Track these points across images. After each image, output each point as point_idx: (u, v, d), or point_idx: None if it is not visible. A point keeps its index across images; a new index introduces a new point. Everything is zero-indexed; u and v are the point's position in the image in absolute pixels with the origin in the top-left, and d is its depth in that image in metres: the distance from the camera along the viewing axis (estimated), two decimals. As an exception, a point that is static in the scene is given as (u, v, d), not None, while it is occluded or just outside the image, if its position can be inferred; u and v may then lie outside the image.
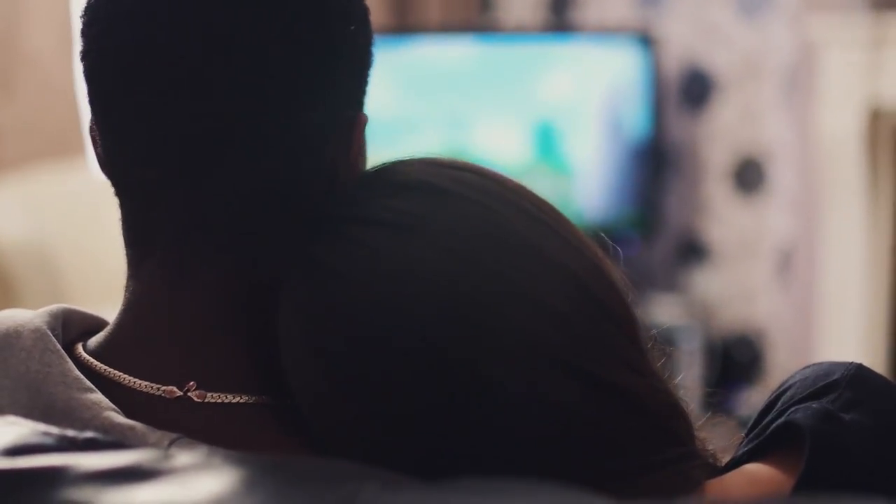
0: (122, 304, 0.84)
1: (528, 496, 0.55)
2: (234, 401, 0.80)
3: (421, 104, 3.87)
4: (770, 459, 0.83)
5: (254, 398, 0.80)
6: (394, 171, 0.83)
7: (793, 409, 0.83)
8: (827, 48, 3.44)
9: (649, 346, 0.86)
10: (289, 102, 0.80)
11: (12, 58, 3.27)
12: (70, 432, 0.67)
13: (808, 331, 3.69)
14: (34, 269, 3.01)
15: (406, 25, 4.13)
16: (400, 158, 0.85)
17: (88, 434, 0.68)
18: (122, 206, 0.85)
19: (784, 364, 3.79)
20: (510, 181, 0.84)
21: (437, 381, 0.74)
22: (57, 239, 3.05)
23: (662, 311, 3.79)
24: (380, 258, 0.76)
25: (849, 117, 3.41)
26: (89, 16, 0.83)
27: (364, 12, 0.86)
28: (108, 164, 0.84)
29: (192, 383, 0.80)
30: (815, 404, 0.82)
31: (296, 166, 0.82)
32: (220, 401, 0.80)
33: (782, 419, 0.82)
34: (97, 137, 0.85)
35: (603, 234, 0.86)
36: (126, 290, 0.84)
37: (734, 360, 3.86)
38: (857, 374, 0.85)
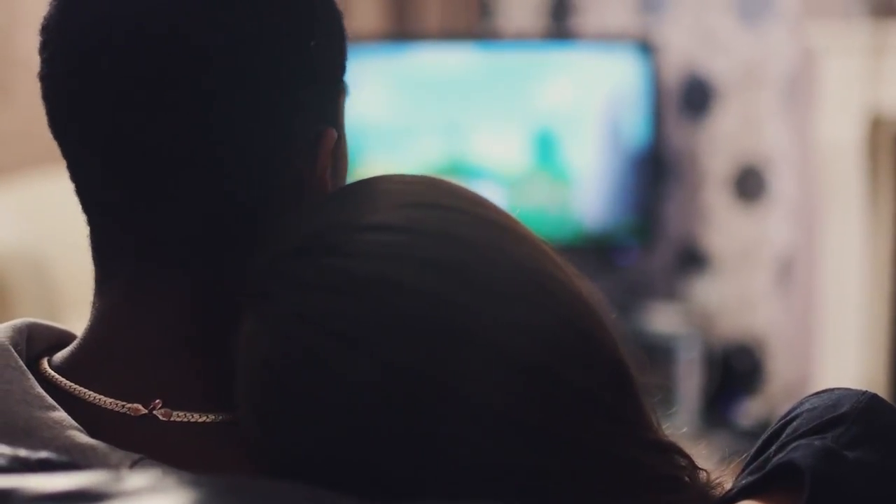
0: (89, 321, 0.83)
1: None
2: (200, 420, 0.78)
3: (420, 111, 3.85)
4: (769, 497, 0.78)
5: (220, 417, 0.78)
6: (374, 195, 0.79)
7: (795, 444, 0.78)
8: (827, 55, 3.43)
9: (643, 389, 0.81)
10: (247, 120, 0.78)
11: (8, 63, 3.26)
12: (23, 452, 0.66)
13: (808, 340, 3.67)
14: (29, 276, 3.00)
15: (405, 32, 4.12)
16: (380, 176, 0.82)
17: (42, 454, 0.66)
18: (88, 224, 0.84)
19: (784, 373, 3.77)
20: (506, 221, 0.80)
21: (401, 409, 0.71)
22: (52, 246, 3.04)
23: (662, 320, 3.78)
24: (354, 279, 0.73)
25: (849, 125, 3.40)
26: (43, 38, 0.81)
27: (331, 26, 0.84)
28: (73, 184, 0.83)
29: (157, 401, 0.78)
30: (817, 441, 0.77)
31: (258, 183, 0.80)
32: (186, 419, 0.78)
33: (783, 455, 0.77)
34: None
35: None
36: (92, 307, 0.83)
37: (734, 368, 3.84)
38: (867, 407, 0.79)
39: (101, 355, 0.82)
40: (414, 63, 3.90)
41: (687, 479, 0.79)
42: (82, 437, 0.75)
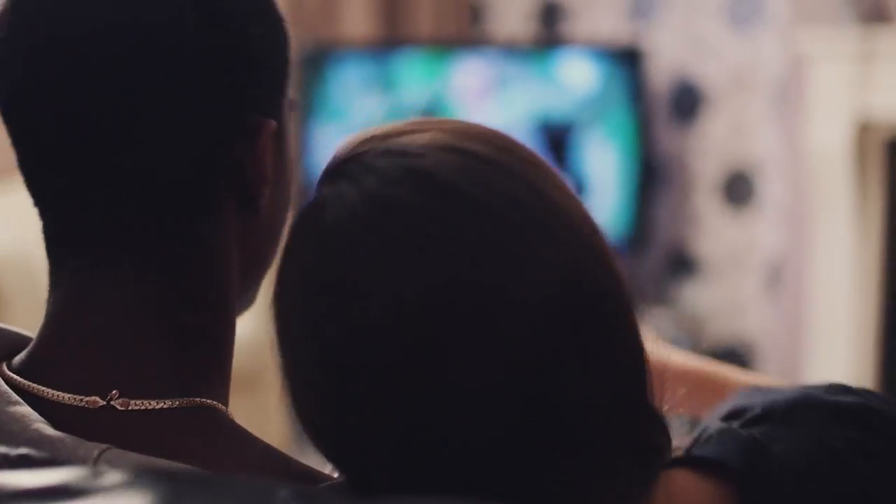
0: (44, 318, 0.84)
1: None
2: (157, 406, 0.79)
3: (409, 117, 3.86)
4: (702, 473, 0.85)
5: (178, 402, 0.80)
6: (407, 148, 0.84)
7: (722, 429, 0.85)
8: (816, 61, 3.44)
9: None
10: (184, 107, 0.80)
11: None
12: (2, 449, 0.67)
13: (797, 344, 3.68)
14: (20, 282, 3.01)
15: (396, 39, 4.13)
16: (411, 123, 0.87)
17: (22, 451, 0.67)
18: (39, 215, 0.85)
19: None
20: (530, 159, 0.84)
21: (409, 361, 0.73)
22: (42, 251, 3.05)
23: (652, 325, 3.78)
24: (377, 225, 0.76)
25: (838, 130, 3.41)
26: None
27: (265, 17, 0.85)
28: (22, 175, 0.84)
29: (114, 392, 0.79)
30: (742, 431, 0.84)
31: (198, 168, 0.82)
32: (144, 408, 0.79)
33: (710, 444, 0.84)
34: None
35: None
36: (47, 304, 0.84)
37: (724, 373, 3.85)
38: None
39: (56, 352, 0.82)
40: (405, 69, 3.91)
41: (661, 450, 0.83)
42: (49, 430, 0.76)
